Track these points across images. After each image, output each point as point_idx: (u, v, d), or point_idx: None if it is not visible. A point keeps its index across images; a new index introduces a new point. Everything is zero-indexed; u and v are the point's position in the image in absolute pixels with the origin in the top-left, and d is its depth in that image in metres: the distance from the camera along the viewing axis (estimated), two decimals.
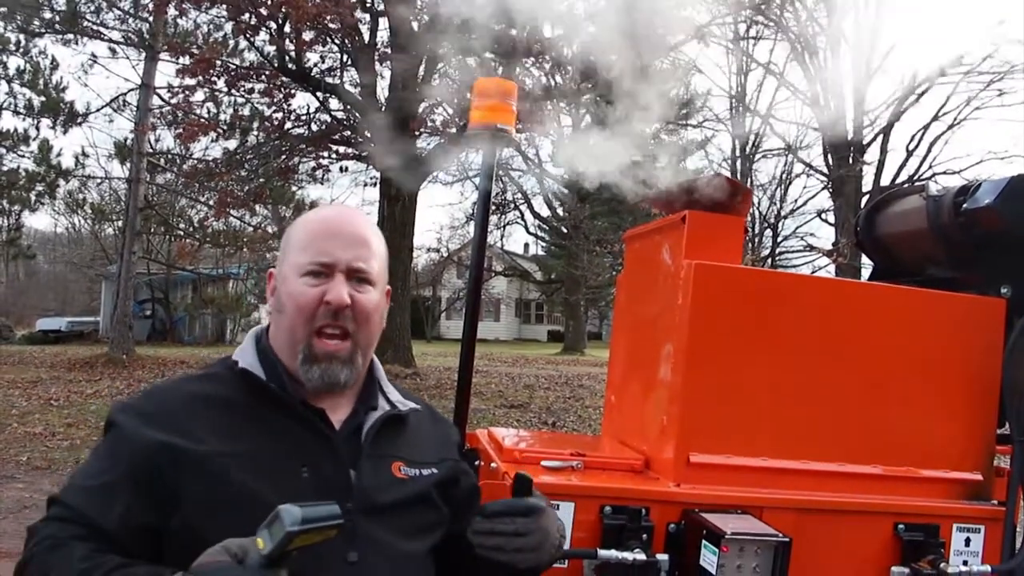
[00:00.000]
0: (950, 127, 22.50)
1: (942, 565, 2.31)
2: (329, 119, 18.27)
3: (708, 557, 2.04)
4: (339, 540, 1.49)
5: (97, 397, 13.55)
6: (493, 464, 2.38)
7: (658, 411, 2.45)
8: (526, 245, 47.54)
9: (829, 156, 23.45)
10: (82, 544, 1.48)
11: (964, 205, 2.60)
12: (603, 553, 2.08)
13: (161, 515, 1.50)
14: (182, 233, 25.94)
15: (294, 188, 21.78)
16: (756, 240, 29.88)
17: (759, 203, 30.09)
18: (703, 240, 2.43)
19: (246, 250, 25.23)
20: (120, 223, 25.82)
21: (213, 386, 1.64)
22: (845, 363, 2.43)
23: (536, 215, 36.11)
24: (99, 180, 26.59)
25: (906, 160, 22.84)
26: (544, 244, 41.94)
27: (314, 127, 18.23)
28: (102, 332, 27.08)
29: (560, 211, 33.38)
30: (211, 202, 20.47)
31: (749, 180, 26.91)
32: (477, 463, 2.62)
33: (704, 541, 2.07)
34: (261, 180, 19.53)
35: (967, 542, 2.45)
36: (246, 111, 19.31)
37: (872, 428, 2.45)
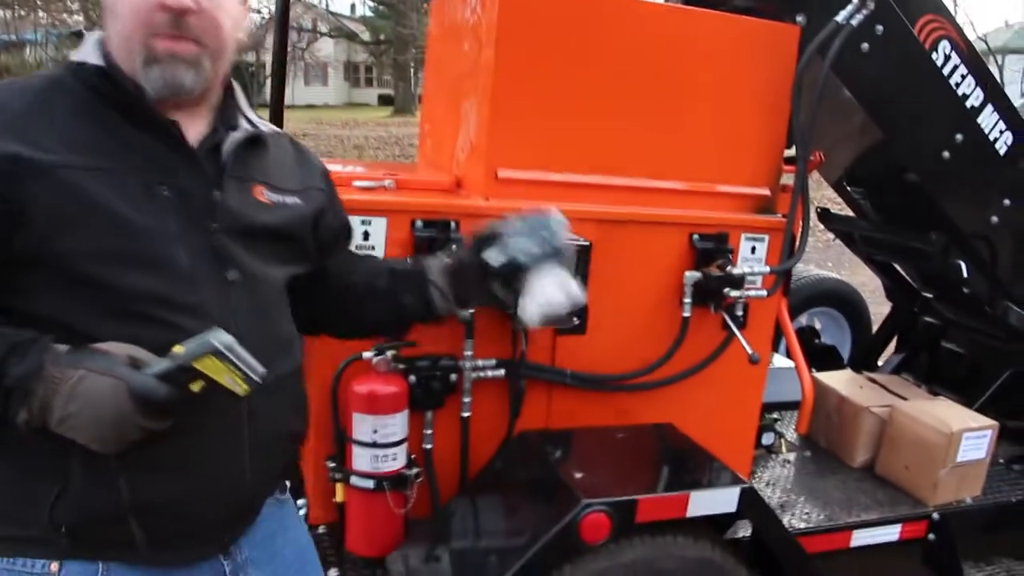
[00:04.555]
0: None
1: (729, 268, 2.53)
2: None
3: None
4: (212, 259, 1.47)
5: None
6: None
7: (468, 133, 2.50)
8: (352, 6, 45.60)
9: None
10: None
11: None
12: None
13: (5, 235, 1.33)
14: None
15: None
16: None
17: None
18: None
19: (42, 12, 23.00)
20: None
21: (54, 89, 1.44)
22: (648, 84, 2.50)
23: None
24: None
25: None
26: (371, 3, 40.25)
27: None
28: None
29: None
30: None
31: None
32: None
33: None
34: None
35: (753, 250, 2.66)
36: None
37: (672, 147, 2.57)
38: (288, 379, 1.62)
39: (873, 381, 3.52)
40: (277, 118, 2.61)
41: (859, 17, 2.60)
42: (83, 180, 1.35)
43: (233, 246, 1.51)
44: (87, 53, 1.47)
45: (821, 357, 4.19)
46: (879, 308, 4.64)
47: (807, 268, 5.08)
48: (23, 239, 1.32)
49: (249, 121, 1.62)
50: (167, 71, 1.44)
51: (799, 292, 4.59)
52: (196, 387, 1.29)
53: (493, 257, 1.71)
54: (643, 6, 2.52)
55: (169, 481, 1.43)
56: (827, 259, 8.57)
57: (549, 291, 1.66)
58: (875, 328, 4.62)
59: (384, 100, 43.90)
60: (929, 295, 4.03)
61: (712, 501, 2.13)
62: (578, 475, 2.15)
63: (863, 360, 4.34)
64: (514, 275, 1.70)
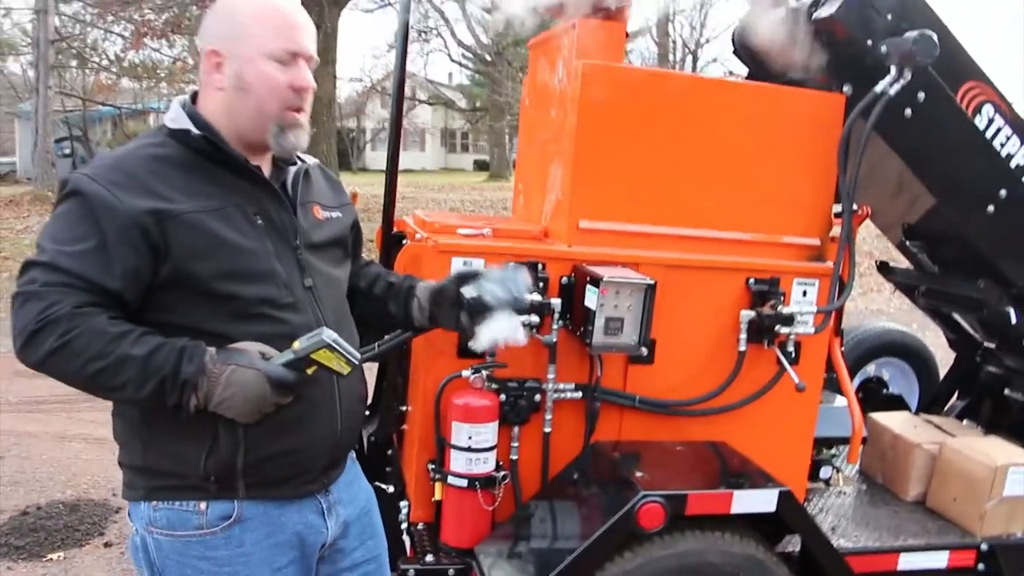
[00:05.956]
0: None
1: (780, 307, 2.87)
2: None
3: (591, 297, 2.55)
4: (297, 269, 1.96)
5: (29, 232, 13.81)
6: (419, 235, 2.85)
7: (554, 191, 2.93)
8: (450, 74, 47.00)
9: None
10: (100, 309, 1.70)
11: (814, 14, 3.03)
12: None
13: (153, 269, 1.75)
14: (97, 66, 25.04)
15: None
16: (677, 67, 30.11)
17: (680, 29, 30.11)
18: (591, 44, 2.82)
19: (165, 83, 24.51)
20: (26, 58, 24.68)
21: (166, 152, 1.85)
22: (711, 147, 2.89)
23: (459, 42, 35.70)
24: (1, 12, 25.34)
25: None
26: (468, 72, 41.52)
27: None
28: (20, 172, 26.34)
29: (483, 37, 33.04)
30: (126, 33, 20.00)
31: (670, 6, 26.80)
32: (404, 242, 3.08)
33: (588, 285, 2.57)
34: (175, 10, 19.01)
35: (804, 293, 2.98)
36: None
37: (734, 202, 2.94)
38: None
39: (928, 421, 3.78)
40: (391, 183, 3.04)
41: (897, 86, 2.87)
42: (205, 220, 1.80)
43: (310, 257, 2.01)
44: (180, 120, 1.90)
45: (888, 406, 4.38)
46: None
47: (874, 320, 5.29)
48: (166, 270, 1.77)
49: (298, 157, 2.09)
50: (299, 136, 1.96)
51: (865, 343, 4.83)
52: (311, 371, 1.79)
53: (468, 292, 2.19)
54: (707, 82, 2.93)
55: (288, 438, 1.91)
56: (912, 320, 8.69)
57: (501, 328, 2.15)
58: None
59: (479, 165, 44.92)
60: (991, 344, 4.24)
61: (754, 500, 2.46)
62: (638, 474, 2.52)
63: (929, 409, 4.52)
64: (479, 310, 2.17)
